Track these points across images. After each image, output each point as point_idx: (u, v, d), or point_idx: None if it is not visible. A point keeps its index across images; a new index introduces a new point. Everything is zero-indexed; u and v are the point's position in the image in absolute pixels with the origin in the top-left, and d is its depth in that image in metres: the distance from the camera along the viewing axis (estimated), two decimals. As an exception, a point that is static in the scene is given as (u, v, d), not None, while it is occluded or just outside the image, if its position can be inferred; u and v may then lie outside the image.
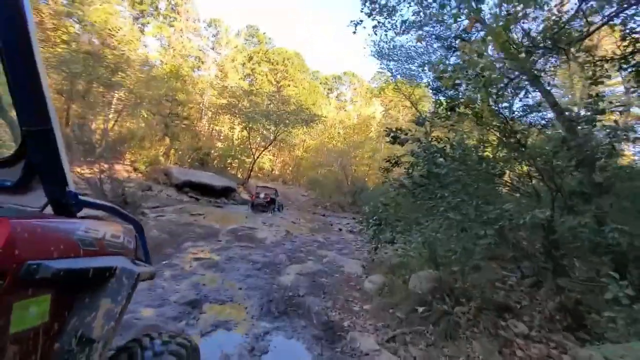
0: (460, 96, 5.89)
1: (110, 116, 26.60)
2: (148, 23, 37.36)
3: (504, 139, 5.26)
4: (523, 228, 4.63)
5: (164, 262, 5.73)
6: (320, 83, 52.18)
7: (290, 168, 43.68)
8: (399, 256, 6.21)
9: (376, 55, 15.75)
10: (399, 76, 16.69)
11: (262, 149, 26.38)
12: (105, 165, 19.13)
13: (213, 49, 41.72)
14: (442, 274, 5.00)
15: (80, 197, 1.21)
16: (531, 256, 5.31)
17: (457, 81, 5.10)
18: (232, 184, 21.77)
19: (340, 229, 16.47)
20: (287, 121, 24.03)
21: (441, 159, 5.34)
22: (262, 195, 19.37)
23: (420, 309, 4.35)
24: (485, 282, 4.94)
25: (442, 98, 7.52)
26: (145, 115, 26.02)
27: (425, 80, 14.78)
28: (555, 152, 4.43)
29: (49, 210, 1.17)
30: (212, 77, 33.33)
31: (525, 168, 5.49)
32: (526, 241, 5.57)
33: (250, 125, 24.77)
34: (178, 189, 18.96)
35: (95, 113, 25.00)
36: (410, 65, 15.27)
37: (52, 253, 0.93)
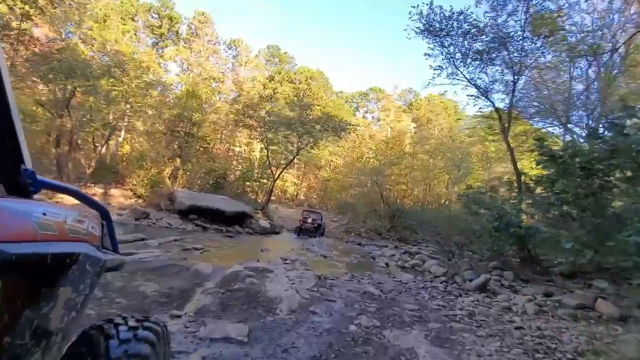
0: None
1: (121, 138, 24.50)
2: (166, 46, 36.53)
3: None
4: None
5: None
6: (345, 102, 49.37)
7: (317, 191, 40.04)
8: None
9: (424, 33, 12.08)
10: (458, 54, 12.61)
11: (284, 166, 22.93)
12: (99, 190, 16.22)
13: (233, 70, 40.20)
14: None
15: (39, 178, 1.14)
16: None
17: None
18: (248, 209, 18.25)
19: (387, 264, 12.25)
20: (313, 131, 20.62)
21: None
22: (309, 220, 19.79)
23: None
24: None
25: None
26: (156, 136, 23.68)
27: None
28: None
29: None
30: (229, 93, 31.04)
31: None
32: None
33: (270, 137, 21.53)
34: (182, 215, 15.63)
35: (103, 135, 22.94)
36: (477, 43, 11.47)
37: (2, 236, 0.80)
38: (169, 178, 19.38)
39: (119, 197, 16.30)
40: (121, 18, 28.91)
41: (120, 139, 24.64)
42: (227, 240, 13.17)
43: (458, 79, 12.83)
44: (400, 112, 45.00)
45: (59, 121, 13.30)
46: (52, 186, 1.27)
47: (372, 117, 48.46)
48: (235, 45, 40.83)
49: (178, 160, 22.36)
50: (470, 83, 12.44)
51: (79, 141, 16.14)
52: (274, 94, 32.29)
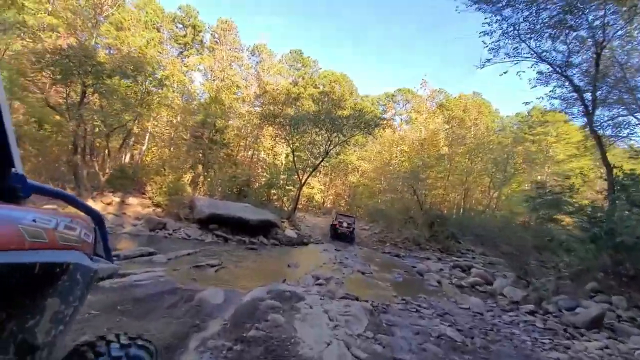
0: None
1: (144, 146, 23.90)
2: (191, 55, 36.40)
3: None
4: None
5: None
6: (372, 104, 47.35)
7: (345, 198, 38.07)
8: None
9: (480, 3, 9.99)
10: (523, 24, 10.21)
11: (311, 170, 21.12)
12: (115, 199, 15.17)
13: (257, 76, 39.49)
14: None
15: (30, 182, 1.09)
16: None
17: None
18: (273, 218, 16.60)
19: (439, 282, 10.08)
20: (344, 127, 18.75)
21: None
22: (345, 225, 19.36)
23: None
24: None
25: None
26: (179, 143, 22.86)
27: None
28: None
29: None
30: (253, 100, 29.95)
31: None
32: None
33: (297, 137, 19.86)
34: (202, 225, 14.21)
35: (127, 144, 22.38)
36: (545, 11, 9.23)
37: None
38: (190, 185, 18.19)
39: (136, 207, 15.19)
40: (145, 28, 28.88)
41: (144, 148, 24.03)
42: (249, 254, 11.51)
43: (522, 57, 10.53)
44: (431, 113, 42.50)
45: (72, 126, 12.31)
46: (44, 191, 1.24)
47: (401, 119, 46.08)
48: (258, 51, 40.19)
49: (200, 167, 21.29)
50: (540, 59, 10.10)
51: (94, 147, 15.24)
52: (298, 97, 30.97)
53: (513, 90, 75.90)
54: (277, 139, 24.68)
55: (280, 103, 20.03)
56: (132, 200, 15.78)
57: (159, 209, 15.43)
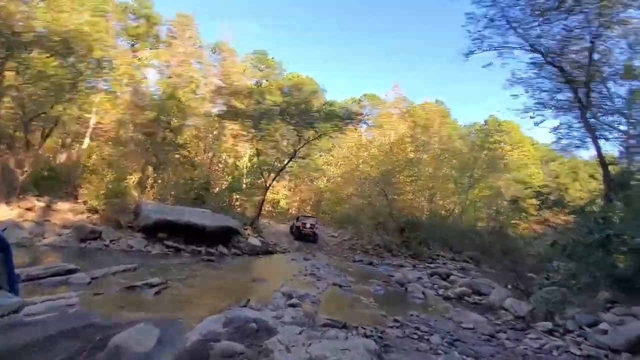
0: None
1: (84, 144, 20.90)
2: (144, 48, 33.39)
3: None
4: None
5: None
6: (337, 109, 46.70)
7: (311, 204, 36.73)
8: None
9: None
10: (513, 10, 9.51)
11: (279, 170, 19.37)
12: (39, 203, 12.57)
13: (218, 75, 37.19)
14: None
15: None
16: None
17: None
18: (236, 225, 14.75)
19: (424, 294, 8.98)
20: (315, 122, 17.34)
21: None
22: (308, 225, 19.82)
23: None
24: None
25: None
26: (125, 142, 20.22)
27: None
28: None
29: None
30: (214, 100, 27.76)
31: None
32: None
33: (262, 135, 18.10)
34: (148, 234, 12.04)
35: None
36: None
37: None
38: (136, 189, 15.77)
39: (66, 213, 12.62)
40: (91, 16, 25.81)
41: (84, 146, 20.99)
42: (205, 267, 9.68)
43: (509, 46, 9.95)
44: (397, 119, 42.77)
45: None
46: None
47: (367, 124, 45.93)
48: (220, 49, 37.96)
49: (150, 168, 18.85)
50: (531, 48, 9.52)
51: (14, 140, 12.50)
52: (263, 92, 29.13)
53: (472, 99, 79.85)
54: (239, 138, 22.79)
55: (243, 97, 18.25)
56: (62, 205, 13.17)
57: (95, 216, 12.99)
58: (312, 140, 19.21)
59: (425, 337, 4.68)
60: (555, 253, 7.23)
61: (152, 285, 6.26)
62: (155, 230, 12.17)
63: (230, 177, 23.60)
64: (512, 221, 35.89)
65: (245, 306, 5.65)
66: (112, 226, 12.42)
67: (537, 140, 48.94)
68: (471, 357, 3.96)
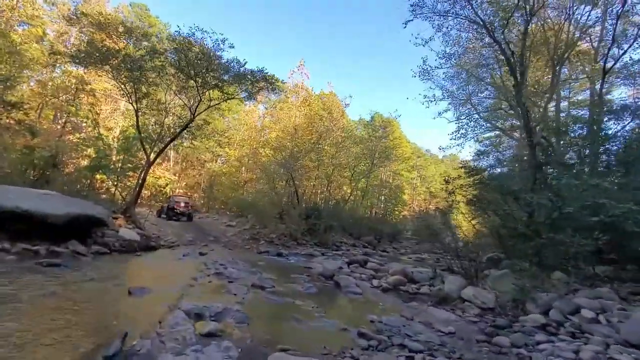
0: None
1: None
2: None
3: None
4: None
5: None
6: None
7: (203, 188, 32.48)
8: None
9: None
10: None
11: (169, 140, 15.14)
12: None
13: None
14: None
15: None
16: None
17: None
18: (99, 213, 10.68)
19: (358, 287, 7.68)
20: (223, 82, 14.02)
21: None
22: (182, 204, 19.99)
23: None
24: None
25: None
26: None
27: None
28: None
29: None
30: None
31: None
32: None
33: (145, 93, 13.75)
34: None
35: None
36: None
37: None
38: None
39: None
40: None
41: None
42: (43, 277, 6.12)
43: (452, 15, 9.41)
44: (296, 105, 41.71)
45: None
46: None
47: (265, 107, 43.49)
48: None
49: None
50: (477, 17, 9.15)
51: None
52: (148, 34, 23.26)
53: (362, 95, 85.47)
54: (110, 99, 17.44)
55: (116, 35, 13.36)
56: None
57: None
58: (217, 103, 15.88)
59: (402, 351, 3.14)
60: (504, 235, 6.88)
61: None
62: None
63: (93, 152, 17.99)
64: (395, 208, 39.13)
65: (119, 352, 3.07)
66: None
67: (409, 140, 55.56)
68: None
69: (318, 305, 5.75)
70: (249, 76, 14.66)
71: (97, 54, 12.80)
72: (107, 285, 6.03)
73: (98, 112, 20.31)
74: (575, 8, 11.88)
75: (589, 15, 12.45)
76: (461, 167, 11.93)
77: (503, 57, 9.62)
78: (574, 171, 7.66)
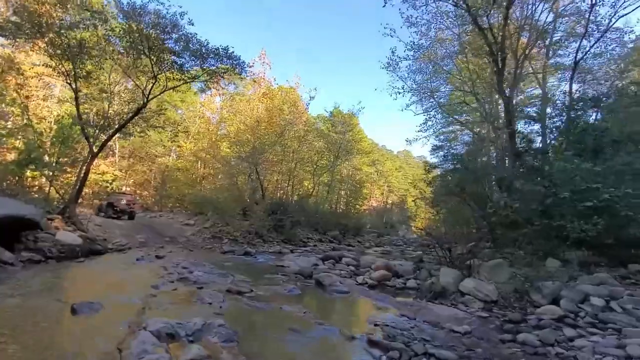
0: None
1: None
2: None
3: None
4: None
5: None
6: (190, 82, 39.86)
7: (152, 187, 29.97)
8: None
9: None
10: None
11: (116, 128, 13.09)
12: None
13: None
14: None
15: None
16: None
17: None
18: (31, 213, 8.94)
19: (341, 283, 7.11)
20: (172, 52, 12.31)
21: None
22: (124, 202, 19.13)
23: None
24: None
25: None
26: None
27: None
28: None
29: None
30: None
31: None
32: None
33: (88, 72, 11.65)
34: None
35: None
36: None
37: None
38: None
39: None
40: None
41: None
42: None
43: None
44: (255, 98, 40.21)
45: None
46: None
47: (221, 99, 41.35)
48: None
49: None
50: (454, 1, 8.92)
51: None
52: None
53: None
54: (42, 82, 14.93)
55: (50, 3, 11.18)
56: None
57: None
58: (176, 86, 14.23)
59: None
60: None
61: None
62: None
63: (22, 144, 15.40)
64: (357, 203, 39.31)
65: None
66: None
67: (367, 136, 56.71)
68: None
69: (308, 309, 5.08)
70: (212, 54, 13.22)
71: (28, 25, 10.69)
72: (41, 302, 4.81)
73: (28, 95, 17.45)
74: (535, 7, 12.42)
75: (547, 16, 13.15)
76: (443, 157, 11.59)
77: (484, 45, 9.65)
78: (562, 155, 7.87)
